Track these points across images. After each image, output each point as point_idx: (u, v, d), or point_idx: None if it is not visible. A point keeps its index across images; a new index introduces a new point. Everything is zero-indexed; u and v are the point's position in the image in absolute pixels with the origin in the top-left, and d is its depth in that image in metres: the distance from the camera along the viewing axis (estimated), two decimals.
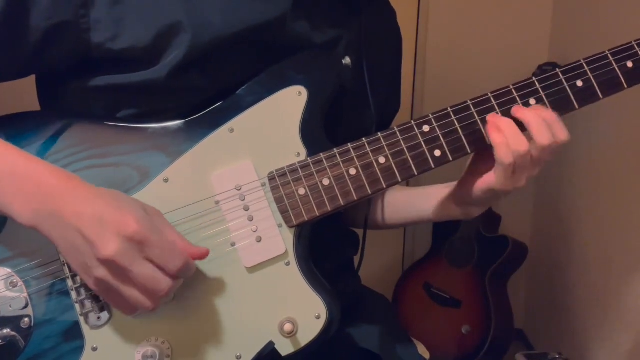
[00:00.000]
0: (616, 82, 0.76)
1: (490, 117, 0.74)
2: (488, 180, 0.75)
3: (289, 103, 0.75)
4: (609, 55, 0.76)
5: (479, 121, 0.75)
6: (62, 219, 0.62)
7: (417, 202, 0.92)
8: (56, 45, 0.70)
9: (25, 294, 0.68)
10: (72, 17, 0.69)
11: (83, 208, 0.62)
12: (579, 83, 0.75)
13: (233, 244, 0.72)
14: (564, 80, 0.76)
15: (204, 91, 0.74)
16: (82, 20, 0.69)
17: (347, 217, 1.02)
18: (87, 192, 0.64)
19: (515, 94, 0.75)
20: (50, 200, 0.63)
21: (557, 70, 0.76)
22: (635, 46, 0.76)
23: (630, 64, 0.76)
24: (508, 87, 0.76)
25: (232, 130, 0.74)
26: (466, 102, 0.75)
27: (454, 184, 0.83)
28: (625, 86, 0.76)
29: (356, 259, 0.99)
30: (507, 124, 0.72)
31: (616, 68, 0.75)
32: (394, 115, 1.02)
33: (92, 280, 0.63)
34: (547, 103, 0.75)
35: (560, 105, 0.75)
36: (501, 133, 0.72)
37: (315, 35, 0.79)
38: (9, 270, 0.69)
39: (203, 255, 0.67)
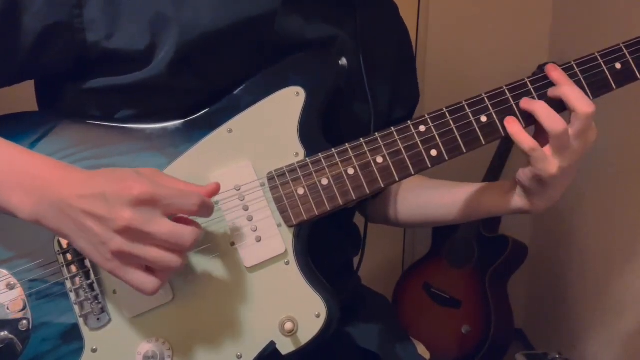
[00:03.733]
0: (605, 83, 0.77)
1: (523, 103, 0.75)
2: (528, 166, 0.75)
3: (287, 103, 0.75)
4: (598, 57, 0.78)
5: (473, 121, 0.76)
6: (64, 206, 0.61)
7: (460, 198, 0.89)
8: (51, 47, 0.70)
9: (23, 296, 0.68)
10: (67, 17, 0.69)
11: (82, 190, 0.61)
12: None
13: (233, 244, 0.72)
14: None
15: (200, 91, 0.74)
16: (76, 20, 0.69)
17: (368, 213, 1.01)
18: (81, 175, 0.64)
19: (509, 95, 0.76)
20: (47, 191, 0.62)
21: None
22: (623, 48, 0.78)
23: (618, 66, 0.77)
24: (501, 88, 0.77)
25: (230, 131, 0.74)
26: (461, 102, 0.76)
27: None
28: (614, 87, 0.78)
29: (356, 259, 0.99)
30: (541, 105, 0.73)
31: (605, 70, 0.77)
32: (412, 109, 1.01)
33: (109, 257, 0.60)
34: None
35: (552, 106, 0.76)
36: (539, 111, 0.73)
37: (309, 32, 0.78)
38: (6, 272, 0.68)
39: (214, 191, 0.66)
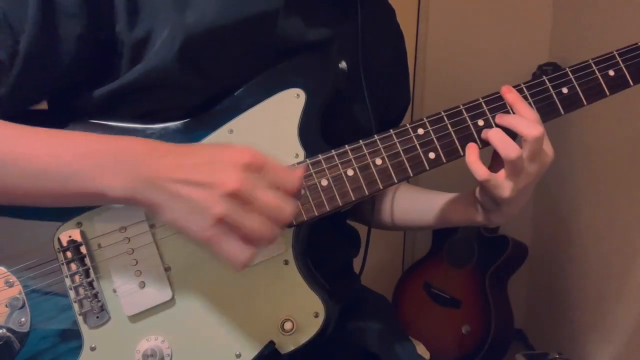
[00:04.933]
0: (599, 90, 0.79)
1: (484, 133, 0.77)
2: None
3: (288, 105, 0.75)
4: (592, 64, 0.79)
5: (470, 125, 0.77)
6: (161, 178, 0.60)
7: (435, 205, 0.93)
8: (90, 49, 0.70)
9: (22, 294, 0.68)
10: (99, 13, 0.68)
11: (181, 160, 0.61)
12: (565, 90, 0.78)
13: None
14: (550, 87, 0.78)
15: (201, 91, 0.74)
16: (107, 13, 0.69)
17: (355, 214, 1.04)
18: (177, 148, 0.63)
19: (505, 100, 0.77)
20: (141, 165, 0.61)
21: (544, 77, 0.79)
22: (617, 56, 0.80)
23: (612, 73, 0.79)
24: (498, 92, 0.78)
25: (231, 131, 0.74)
26: (458, 106, 0.77)
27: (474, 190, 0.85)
28: (608, 93, 0.79)
29: (357, 261, 0.99)
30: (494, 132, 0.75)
31: (599, 76, 0.79)
32: (404, 110, 1.03)
33: (211, 223, 0.59)
34: (534, 109, 0.77)
35: (547, 111, 0.78)
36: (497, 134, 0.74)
37: (309, 33, 0.79)
38: (5, 270, 0.69)
39: (302, 173, 0.65)
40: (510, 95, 0.76)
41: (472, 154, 0.75)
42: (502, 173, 0.75)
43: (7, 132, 0.65)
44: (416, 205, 0.98)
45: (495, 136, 0.74)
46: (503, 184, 0.75)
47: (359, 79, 0.85)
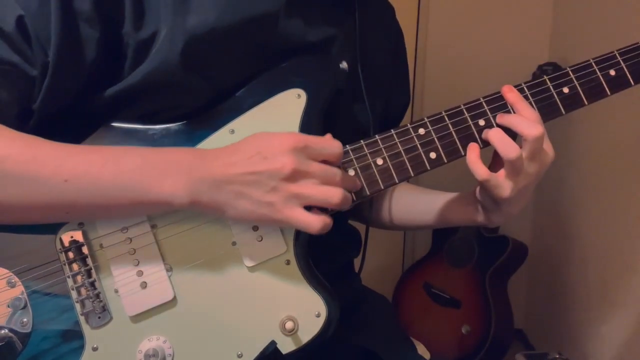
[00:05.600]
0: (600, 89, 0.79)
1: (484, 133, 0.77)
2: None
3: (289, 105, 0.75)
4: (593, 63, 0.79)
5: (471, 125, 0.77)
6: (219, 178, 0.66)
7: (436, 204, 0.93)
8: (109, 52, 0.70)
9: (24, 294, 0.68)
10: (111, 14, 0.69)
11: (231, 158, 0.67)
12: (565, 90, 0.79)
13: (234, 243, 0.72)
14: (551, 87, 0.78)
15: (202, 92, 0.74)
16: (117, 13, 0.70)
17: (354, 213, 1.04)
18: (221, 149, 0.68)
19: (506, 100, 0.77)
20: (196, 169, 0.66)
21: (545, 77, 0.79)
22: (617, 55, 0.80)
23: (612, 72, 0.79)
24: (499, 92, 0.78)
25: (232, 132, 0.74)
26: (459, 106, 0.77)
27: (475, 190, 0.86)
28: (609, 93, 0.79)
29: (358, 261, 0.99)
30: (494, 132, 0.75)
31: (600, 76, 0.79)
32: (404, 109, 1.03)
33: (282, 201, 0.66)
34: (535, 108, 0.78)
35: (548, 110, 0.78)
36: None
37: (310, 33, 0.79)
38: (7, 270, 0.69)
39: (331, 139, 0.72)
40: (511, 95, 0.77)
41: (472, 153, 0.75)
42: (502, 173, 0.75)
43: (60, 149, 0.66)
44: (416, 205, 0.98)
45: (495, 136, 0.74)
46: (503, 183, 0.75)
47: (359, 78, 0.85)
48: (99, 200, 0.66)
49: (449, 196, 0.92)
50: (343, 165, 0.74)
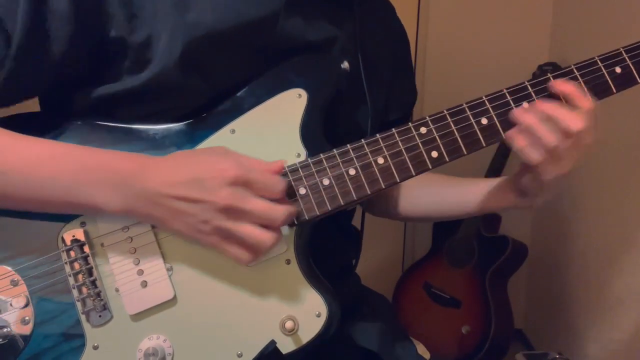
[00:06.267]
0: (606, 87, 0.78)
1: (512, 115, 0.75)
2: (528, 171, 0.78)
3: (289, 105, 0.75)
4: (598, 61, 0.78)
5: (474, 123, 0.76)
6: (154, 195, 0.65)
7: (471, 194, 0.92)
8: (80, 48, 0.70)
9: (26, 293, 0.69)
10: (90, 16, 0.69)
11: (172, 177, 0.65)
12: None
13: None
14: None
15: (203, 93, 0.74)
16: (98, 18, 0.70)
17: (375, 208, 1.04)
18: (166, 163, 0.67)
19: (509, 98, 0.77)
20: (133, 181, 0.65)
21: (549, 75, 0.78)
22: (623, 52, 0.79)
23: (618, 70, 0.78)
24: (502, 91, 0.77)
25: (233, 131, 0.74)
26: (462, 105, 0.77)
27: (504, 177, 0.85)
28: (615, 91, 0.78)
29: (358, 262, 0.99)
30: (529, 121, 0.73)
31: (605, 74, 0.78)
32: (411, 106, 1.02)
33: (211, 232, 0.66)
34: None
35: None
36: (521, 136, 0.74)
37: (310, 34, 0.79)
38: (10, 269, 0.69)
39: (281, 168, 0.70)
40: (564, 86, 0.75)
41: (520, 140, 0.74)
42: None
43: (10, 141, 0.67)
44: (448, 196, 0.97)
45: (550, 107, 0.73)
46: (552, 164, 0.74)
47: (360, 78, 0.85)
48: (32, 195, 0.66)
49: (484, 184, 0.90)
50: (344, 165, 0.74)
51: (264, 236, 0.66)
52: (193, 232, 0.66)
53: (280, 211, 0.66)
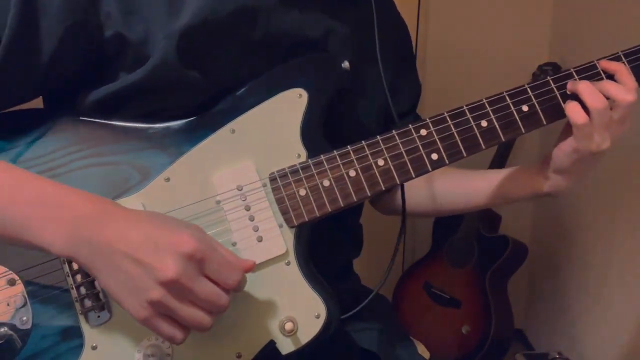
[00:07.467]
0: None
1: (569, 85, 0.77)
2: (570, 142, 0.77)
3: (290, 105, 0.75)
4: (597, 64, 0.78)
5: (474, 126, 0.76)
6: (104, 245, 0.60)
7: (494, 183, 0.91)
8: (73, 48, 0.70)
9: (24, 293, 0.68)
10: (83, 15, 0.69)
11: (128, 232, 0.60)
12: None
13: (234, 244, 0.72)
14: (555, 88, 0.78)
15: (202, 91, 0.74)
16: (91, 18, 0.69)
17: (382, 206, 1.05)
18: (127, 216, 0.62)
19: (509, 101, 0.77)
20: (87, 226, 0.60)
21: (548, 78, 0.78)
22: (622, 57, 0.79)
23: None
24: (502, 93, 0.77)
25: (233, 131, 0.74)
26: (462, 107, 0.77)
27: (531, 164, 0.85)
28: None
29: (358, 262, 0.99)
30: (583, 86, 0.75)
31: (605, 78, 0.78)
32: (416, 99, 1.02)
33: (145, 305, 0.59)
34: (539, 110, 0.77)
35: (552, 111, 0.77)
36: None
37: (309, 29, 0.79)
38: (7, 269, 0.69)
39: (251, 268, 0.66)
40: (612, 65, 0.77)
41: (572, 103, 0.75)
42: (595, 124, 0.75)
43: None
44: (470, 187, 0.95)
45: (585, 87, 0.75)
46: (594, 136, 0.75)
47: (361, 78, 0.85)
48: None
49: (507, 172, 0.90)
50: (344, 166, 0.74)
51: (205, 321, 0.61)
52: (127, 298, 0.60)
53: (225, 299, 0.62)
